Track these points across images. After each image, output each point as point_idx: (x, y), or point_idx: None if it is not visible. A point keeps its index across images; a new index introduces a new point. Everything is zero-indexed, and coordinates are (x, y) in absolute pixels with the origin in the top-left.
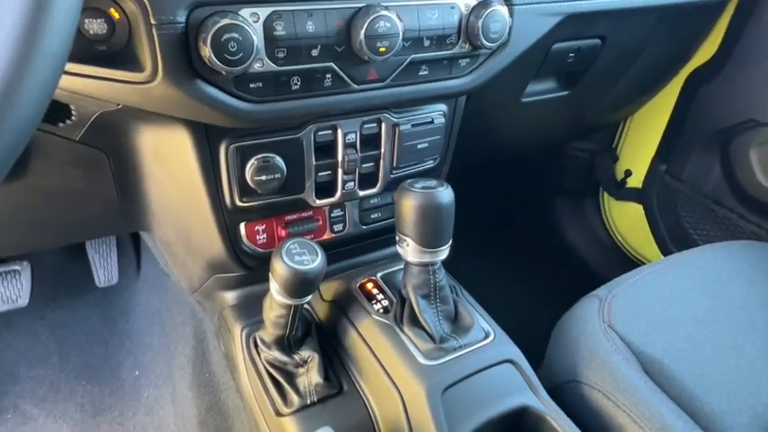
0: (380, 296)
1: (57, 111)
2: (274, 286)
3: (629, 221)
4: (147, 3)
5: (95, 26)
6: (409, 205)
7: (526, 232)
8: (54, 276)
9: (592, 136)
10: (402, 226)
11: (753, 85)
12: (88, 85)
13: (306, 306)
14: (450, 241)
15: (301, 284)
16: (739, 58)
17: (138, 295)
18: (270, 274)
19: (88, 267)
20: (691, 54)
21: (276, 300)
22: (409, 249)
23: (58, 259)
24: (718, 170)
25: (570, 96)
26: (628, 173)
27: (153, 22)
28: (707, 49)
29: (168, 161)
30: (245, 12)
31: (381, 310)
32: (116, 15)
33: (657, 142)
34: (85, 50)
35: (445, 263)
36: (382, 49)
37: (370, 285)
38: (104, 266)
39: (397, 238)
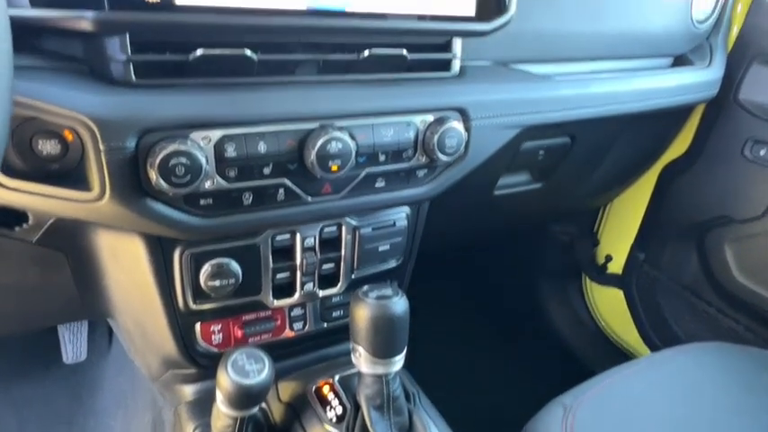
0: (335, 402)
1: (13, 216)
2: (219, 397)
3: (611, 306)
4: (96, 130)
5: (49, 147)
6: (361, 315)
7: (505, 315)
8: (22, 350)
9: (572, 218)
10: (355, 335)
11: (724, 182)
12: (40, 203)
13: (263, 406)
14: (405, 351)
15: (246, 398)
16: (710, 155)
17: (106, 373)
18: (216, 384)
19: (57, 341)
20: (663, 150)
21: (222, 411)
22: (362, 360)
23: (26, 333)
24: (695, 262)
25: (544, 188)
26: (608, 258)
27: (102, 148)
28: (679, 145)
29: (123, 261)
30: (196, 135)
31: (334, 419)
32: (69, 137)
33: (636, 230)
34: (38, 169)
35: (415, 356)
36: (335, 168)
37: (326, 389)
38: (74, 342)
39: (350, 347)
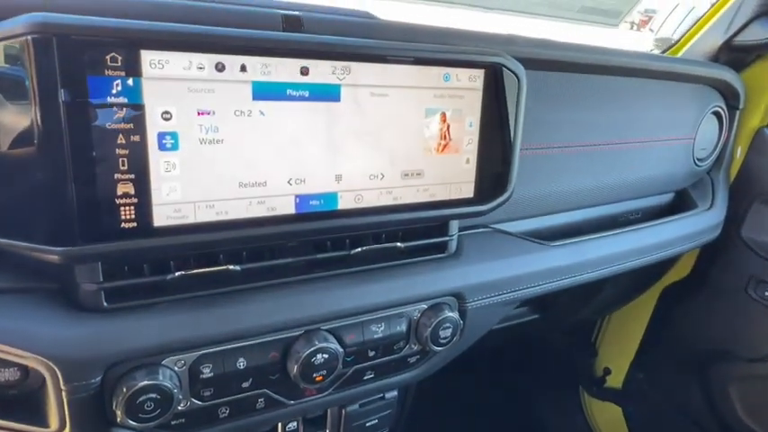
0: None
1: None
2: None
3: (611, 422)
4: (57, 371)
5: (7, 374)
6: None
7: (501, 428)
8: None
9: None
10: None
11: (727, 317)
12: None
13: None
14: None
15: None
16: (712, 287)
17: None
18: None
19: None
20: (663, 274)
21: None
22: None
23: None
24: (698, 395)
25: (542, 319)
26: (607, 371)
27: (63, 387)
28: (680, 269)
29: None
30: (169, 360)
31: None
32: (31, 365)
33: (636, 346)
34: None
35: None
36: (319, 379)
37: None
38: None
39: None
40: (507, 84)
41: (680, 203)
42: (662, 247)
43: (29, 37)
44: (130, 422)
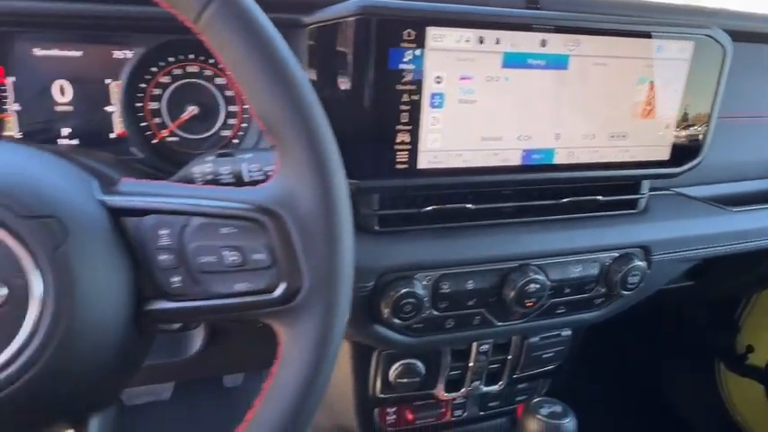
0: None
1: None
2: None
3: (749, 400)
4: None
5: None
6: (531, 428)
7: (626, 398)
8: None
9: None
10: None
11: None
12: None
13: None
14: None
15: None
16: None
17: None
18: None
19: None
20: None
21: None
22: None
23: None
24: None
25: (696, 285)
26: (750, 348)
27: None
28: None
29: None
30: (420, 275)
31: None
32: None
33: None
34: None
35: None
36: (530, 304)
37: None
38: None
39: None
40: (713, 55)
41: None
42: None
43: (353, 18)
44: (394, 320)
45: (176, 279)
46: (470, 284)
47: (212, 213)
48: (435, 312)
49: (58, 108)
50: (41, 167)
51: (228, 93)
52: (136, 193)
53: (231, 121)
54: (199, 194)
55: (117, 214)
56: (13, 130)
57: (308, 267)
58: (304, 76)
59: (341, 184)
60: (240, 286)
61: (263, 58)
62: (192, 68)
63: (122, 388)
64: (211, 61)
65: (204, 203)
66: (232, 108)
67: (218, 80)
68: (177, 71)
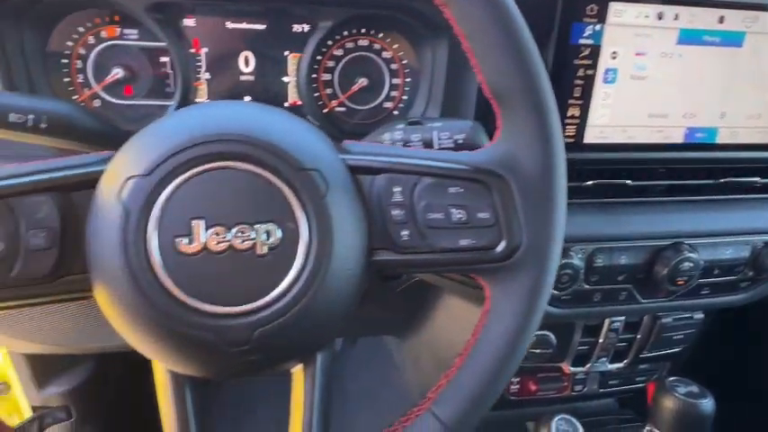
0: None
1: None
2: None
3: None
4: None
5: None
6: (668, 407)
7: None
8: None
9: None
10: (657, 421)
11: None
12: None
13: None
14: None
15: None
16: None
17: (351, 364)
18: None
19: None
20: None
21: None
22: None
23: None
24: None
25: None
26: None
27: None
28: None
29: (454, 312)
30: (576, 248)
31: None
32: None
33: None
34: None
35: None
36: (680, 283)
37: None
38: None
39: (646, 429)
40: None
41: None
42: None
43: None
44: (554, 291)
45: (405, 233)
46: (623, 259)
47: (442, 174)
48: (586, 285)
49: (242, 78)
50: (303, 126)
51: (393, 66)
52: (368, 153)
53: (393, 93)
54: (428, 156)
55: (354, 171)
56: (203, 97)
57: (528, 227)
58: (535, 47)
59: (562, 151)
60: (464, 242)
61: (502, 29)
62: (363, 42)
63: (341, 330)
64: (381, 35)
65: (435, 164)
66: (396, 81)
67: (385, 54)
68: (350, 44)
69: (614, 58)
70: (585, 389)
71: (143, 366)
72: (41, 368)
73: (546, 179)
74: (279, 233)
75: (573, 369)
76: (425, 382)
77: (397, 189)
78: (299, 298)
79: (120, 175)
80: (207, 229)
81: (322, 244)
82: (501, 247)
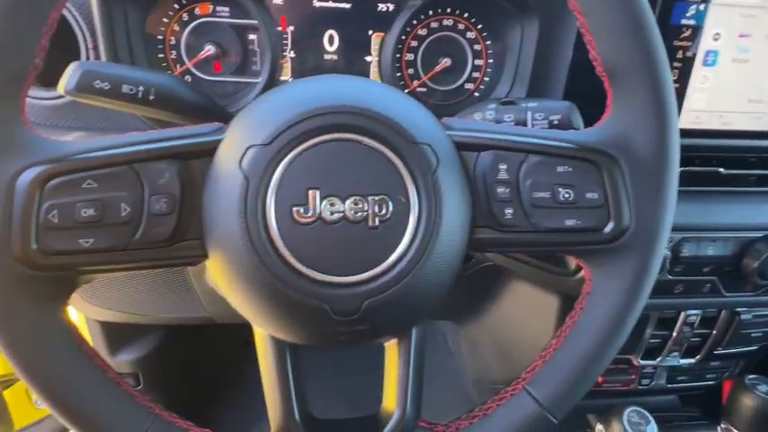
0: None
1: None
2: None
3: None
4: None
5: None
6: (748, 404)
7: None
8: None
9: None
10: (733, 419)
11: None
12: None
13: None
14: None
15: None
16: None
17: None
18: None
19: None
20: None
21: None
22: None
23: None
24: None
25: None
26: None
27: None
28: None
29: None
30: None
31: None
32: None
33: None
34: None
35: None
36: None
37: None
38: None
39: (721, 427)
40: None
41: None
42: None
43: None
44: None
45: (509, 211)
46: (710, 250)
47: (550, 152)
48: (669, 276)
49: (326, 56)
50: (412, 102)
51: (477, 47)
52: (472, 129)
53: (475, 75)
54: (535, 134)
55: (458, 148)
56: (287, 75)
57: (638, 209)
58: (656, 25)
59: (677, 132)
60: (570, 222)
61: (622, 3)
62: (448, 22)
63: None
64: (465, 15)
65: (543, 142)
66: (478, 62)
67: (470, 34)
68: (434, 24)
69: (716, 39)
70: (653, 383)
71: (209, 339)
72: (113, 336)
73: (660, 161)
74: (391, 206)
75: (642, 362)
76: (482, 368)
77: (503, 166)
78: (407, 271)
79: (240, 143)
80: (322, 199)
81: (431, 219)
82: (608, 228)
